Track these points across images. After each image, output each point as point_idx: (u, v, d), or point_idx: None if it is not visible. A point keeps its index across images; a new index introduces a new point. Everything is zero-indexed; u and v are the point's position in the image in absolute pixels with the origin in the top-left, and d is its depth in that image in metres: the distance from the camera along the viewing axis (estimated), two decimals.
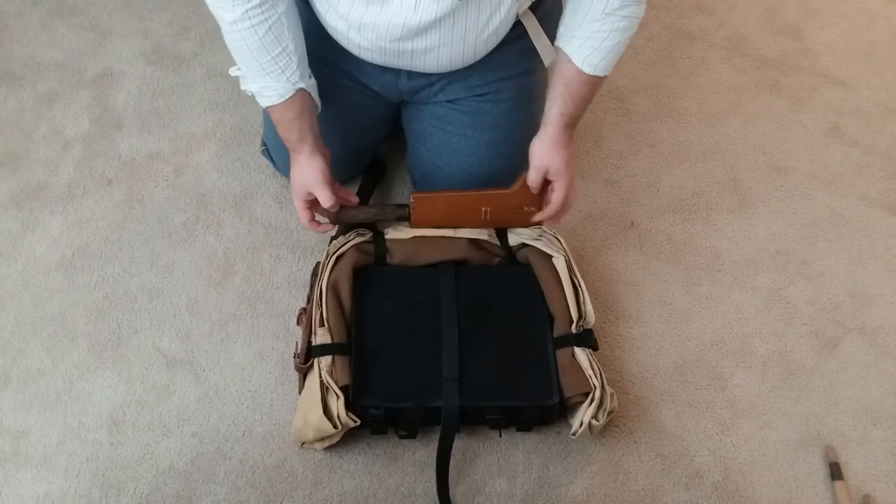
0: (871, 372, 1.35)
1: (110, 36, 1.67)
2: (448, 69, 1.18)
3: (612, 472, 1.22)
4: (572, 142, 1.18)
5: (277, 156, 1.40)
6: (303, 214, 1.23)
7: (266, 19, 1.06)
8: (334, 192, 1.20)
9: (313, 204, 1.22)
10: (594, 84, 1.13)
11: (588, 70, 1.10)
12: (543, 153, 1.17)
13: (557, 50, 1.14)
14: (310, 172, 1.18)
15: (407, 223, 1.28)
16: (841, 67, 1.77)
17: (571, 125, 1.16)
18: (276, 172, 1.47)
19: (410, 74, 1.22)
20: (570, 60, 1.11)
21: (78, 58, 1.63)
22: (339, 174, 1.37)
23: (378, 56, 1.16)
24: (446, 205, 1.26)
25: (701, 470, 1.24)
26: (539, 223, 1.27)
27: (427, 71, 1.19)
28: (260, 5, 1.04)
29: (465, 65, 1.18)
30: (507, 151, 1.30)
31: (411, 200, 1.24)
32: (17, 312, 1.32)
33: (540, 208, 1.24)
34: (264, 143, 1.43)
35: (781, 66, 1.76)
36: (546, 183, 1.20)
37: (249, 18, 1.05)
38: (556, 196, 1.19)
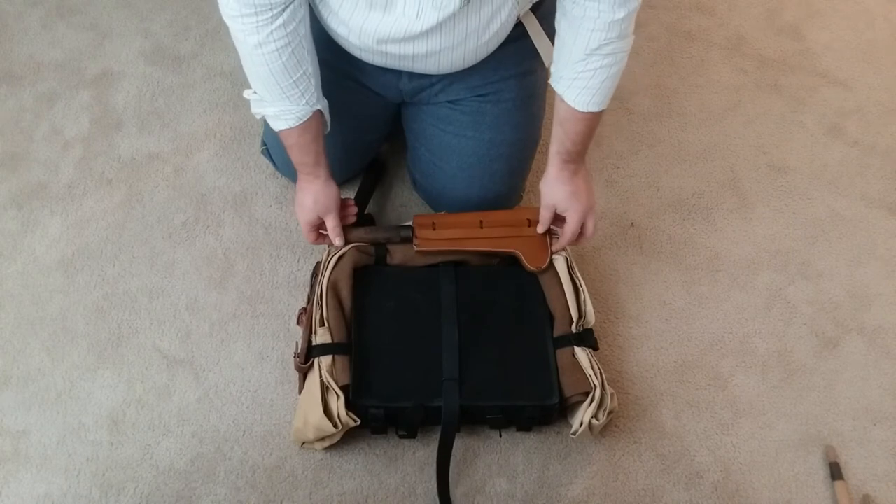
0: (871, 372, 1.35)
1: (110, 36, 1.67)
2: (449, 70, 1.19)
3: (612, 472, 1.22)
4: (580, 175, 1.18)
5: (278, 156, 1.40)
6: (310, 237, 1.24)
7: (290, 42, 1.06)
8: (339, 212, 1.22)
9: (320, 226, 1.23)
10: (590, 120, 1.13)
11: (581, 108, 1.11)
12: (547, 191, 1.19)
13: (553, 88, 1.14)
14: (325, 200, 1.20)
15: (411, 244, 1.26)
16: (841, 67, 1.77)
17: (571, 161, 1.16)
18: (276, 172, 1.47)
19: (412, 76, 1.22)
20: (562, 100, 1.12)
21: (78, 58, 1.63)
22: (337, 175, 1.37)
23: (380, 59, 1.16)
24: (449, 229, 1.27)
25: (701, 470, 1.24)
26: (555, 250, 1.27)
27: (429, 72, 1.19)
28: (284, 26, 1.05)
29: (467, 66, 1.18)
30: (507, 151, 1.30)
31: (415, 239, 1.24)
32: (17, 312, 1.32)
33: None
34: (264, 143, 1.43)
35: (781, 66, 1.76)
36: (559, 221, 1.22)
37: (274, 41, 1.05)
38: (567, 226, 1.20)
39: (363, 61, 1.20)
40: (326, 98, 1.21)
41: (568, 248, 1.28)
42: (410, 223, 1.26)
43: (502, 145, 1.29)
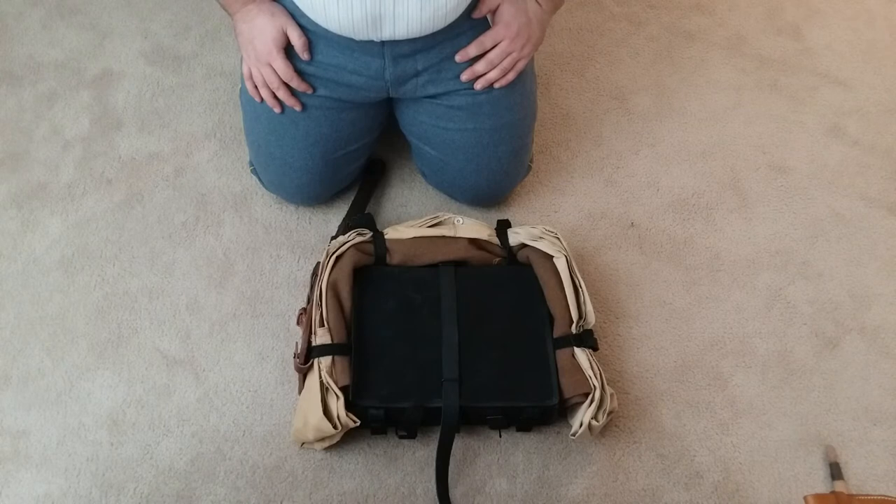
0: (871, 372, 1.35)
1: (110, 36, 1.67)
2: (431, 29, 1.17)
3: (612, 472, 1.23)
4: (540, 21, 1.25)
5: (265, 175, 1.39)
6: (288, 69, 1.21)
7: None
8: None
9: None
10: None
11: None
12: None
13: None
14: (275, 33, 1.18)
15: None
16: (841, 67, 1.77)
17: None
18: None
19: (395, 59, 1.21)
20: None
21: (78, 58, 1.63)
22: (319, 193, 1.38)
23: (358, 15, 1.13)
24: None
25: (701, 470, 1.24)
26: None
27: (407, 35, 1.17)
28: None
29: (446, 23, 1.17)
30: (509, 133, 1.32)
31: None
32: (17, 312, 1.32)
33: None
34: (252, 163, 1.44)
35: (781, 66, 1.76)
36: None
37: None
38: (487, 34, 1.23)
39: (345, 57, 1.20)
40: (305, 108, 1.21)
41: (567, 248, 1.28)
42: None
43: (503, 129, 1.31)
